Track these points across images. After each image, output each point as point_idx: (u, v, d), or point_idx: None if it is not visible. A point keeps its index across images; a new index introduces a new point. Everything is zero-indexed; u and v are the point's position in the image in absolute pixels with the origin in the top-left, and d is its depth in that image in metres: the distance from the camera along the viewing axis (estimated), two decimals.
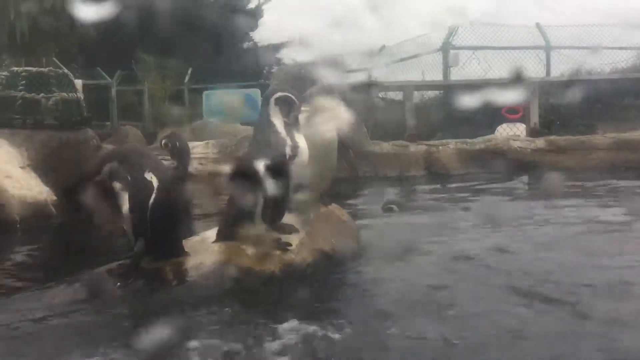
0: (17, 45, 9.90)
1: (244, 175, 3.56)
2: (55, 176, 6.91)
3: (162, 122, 14.82)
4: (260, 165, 3.49)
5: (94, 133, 8.69)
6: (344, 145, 4.38)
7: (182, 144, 3.91)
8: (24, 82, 7.65)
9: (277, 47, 21.17)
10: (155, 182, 3.32)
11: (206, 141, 9.58)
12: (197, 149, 9.18)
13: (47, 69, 8.04)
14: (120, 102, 14.98)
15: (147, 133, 13.07)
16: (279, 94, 3.66)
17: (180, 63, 16.17)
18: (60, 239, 5.39)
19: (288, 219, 3.76)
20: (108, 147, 9.25)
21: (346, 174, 4.80)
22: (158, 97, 16.00)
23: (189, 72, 15.59)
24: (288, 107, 3.65)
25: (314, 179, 3.90)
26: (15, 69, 7.89)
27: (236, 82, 16.08)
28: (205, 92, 15.25)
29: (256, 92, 14.88)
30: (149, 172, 3.34)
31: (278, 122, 3.61)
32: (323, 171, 4.02)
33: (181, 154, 3.71)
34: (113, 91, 14.40)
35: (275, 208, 3.55)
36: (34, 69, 7.90)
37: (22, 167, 6.71)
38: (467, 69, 11.92)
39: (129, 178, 3.33)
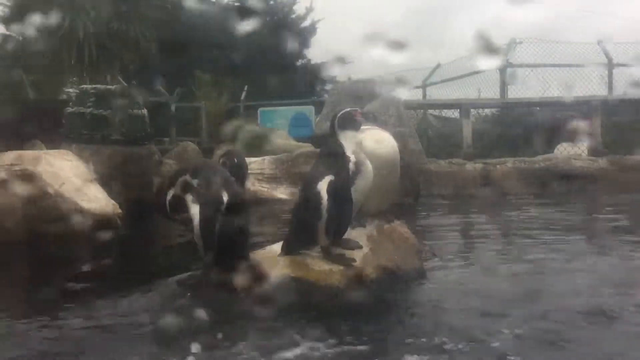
0: (85, 64, 10.44)
1: (308, 190, 3.62)
2: (120, 189, 7.17)
3: (218, 138, 15.16)
4: (325, 181, 3.55)
5: (156, 148, 9.00)
6: (405, 162, 4.39)
7: (240, 161, 4.03)
8: (92, 99, 8.00)
9: (330, 65, 21.38)
10: (225, 196, 3.41)
11: (262, 157, 9.72)
12: (254, 165, 9.34)
13: (114, 86, 8.40)
14: (178, 119, 15.39)
15: (204, 148, 13.35)
16: (344, 111, 3.72)
17: (236, 80, 16.52)
18: (127, 250, 5.57)
19: (351, 234, 3.80)
20: (169, 161, 9.57)
21: (408, 191, 4.78)
22: (214, 114, 16.35)
23: (245, 89, 15.90)
24: (353, 124, 3.70)
25: (377, 196, 3.94)
26: (85, 86, 8.28)
27: (290, 100, 16.30)
28: (260, 109, 15.52)
29: (310, 109, 15.05)
30: (219, 186, 3.45)
31: (343, 138, 3.66)
32: (386, 188, 4.05)
33: (239, 170, 3.83)
34: (172, 108, 14.82)
35: (338, 223, 3.59)
36: (102, 87, 8.28)
37: (89, 181, 6.96)
38: (525, 86, 11.74)
39: (200, 191, 3.44)
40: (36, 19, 12.24)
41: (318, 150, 9.70)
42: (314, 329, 3.01)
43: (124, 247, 5.78)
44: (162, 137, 14.12)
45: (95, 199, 6.44)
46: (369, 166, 3.64)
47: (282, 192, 9.03)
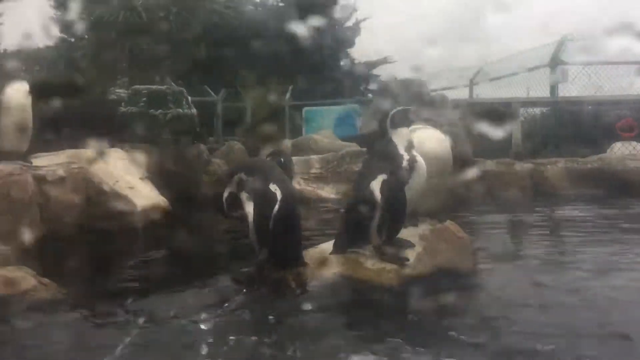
0: (135, 65, 10.71)
1: (361, 188, 3.62)
2: (170, 188, 7.30)
3: (263, 137, 15.30)
4: (377, 179, 3.55)
5: (205, 147, 9.14)
6: (457, 160, 4.35)
7: (287, 160, 4.06)
8: (144, 99, 8.17)
9: (374, 64, 21.31)
10: (278, 194, 3.45)
11: (308, 156, 9.76)
12: (300, 164, 9.39)
13: (165, 86, 8.56)
14: (223, 118, 15.59)
15: (249, 148, 13.48)
16: (398, 109, 3.70)
17: (281, 80, 16.63)
18: (179, 247, 5.68)
19: (403, 234, 3.78)
20: (216, 160, 9.69)
21: (460, 189, 4.73)
22: (259, 114, 16.51)
23: (290, 89, 15.99)
24: (406, 122, 3.69)
25: (430, 195, 3.91)
26: (137, 87, 8.46)
27: (335, 99, 16.31)
28: (305, 109, 15.58)
29: (355, 109, 15.01)
30: (273, 184, 3.48)
31: (396, 137, 3.65)
32: (438, 187, 4.01)
33: (285, 170, 3.86)
34: (219, 108, 15.02)
35: (392, 222, 3.58)
36: (153, 87, 8.45)
37: (141, 179, 7.14)
38: (577, 84, 11.43)
39: (255, 189, 3.48)
40: (89, 21, 12.63)
41: (364, 149, 9.75)
42: (368, 329, 3.01)
43: (175, 244, 5.88)
44: (207, 137, 14.32)
45: (148, 196, 6.59)
46: (422, 165, 3.62)
47: (328, 192, 9.04)
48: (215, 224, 6.82)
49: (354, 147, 10.26)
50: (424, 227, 3.92)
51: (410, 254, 3.62)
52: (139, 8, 10.01)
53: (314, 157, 9.74)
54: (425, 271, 3.58)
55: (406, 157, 3.57)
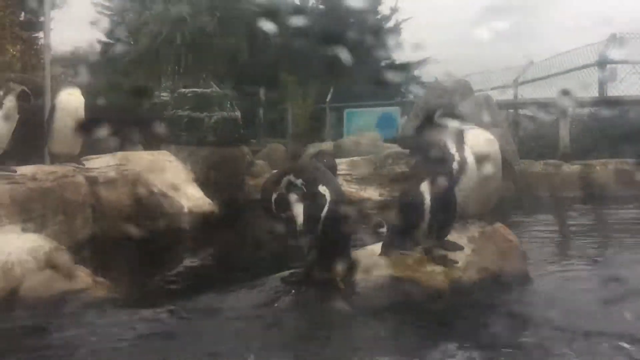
0: (180, 69, 10.91)
1: (410, 190, 3.60)
2: (214, 189, 7.40)
3: (304, 139, 15.37)
4: (426, 180, 3.52)
5: (248, 149, 9.25)
6: (507, 161, 4.28)
7: (330, 161, 4.05)
8: (189, 102, 8.33)
9: (415, 65, 21.13)
10: (327, 196, 3.45)
11: (350, 158, 9.75)
12: (342, 166, 9.38)
13: (210, 89, 8.70)
14: (265, 120, 15.75)
15: (290, 150, 13.56)
16: (444, 109, 3.67)
17: (322, 82, 16.67)
18: (226, 247, 5.76)
19: (451, 236, 3.74)
20: (259, 162, 9.79)
21: (509, 191, 4.65)
22: (299, 116, 16.59)
23: (331, 91, 16.02)
24: (455, 122, 3.65)
25: (479, 197, 3.86)
26: (183, 90, 8.63)
27: (376, 100, 16.26)
28: (346, 110, 15.59)
29: (396, 110, 14.95)
30: (322, 185, 3.49)
31: (445, 137, 3.61)
32: (489, 188, 3.96)
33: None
34: (260, 110, 15.18)
35: (441, 224, 3.55)
36: (198, 90, 8.60)
37: (188, 180, 7.25)
38: (626, 84, 11.09)
39: (304, 191, 3.49)
40: (135, 26, 12.91)
41: (406, 151, 9.68)
42: (419, 333, 2.99)
43: (222, 244, 5.97)
44: (250, 139, 14.46)
45: (194, 198, 6.68)
46: (473, 166, 3.58)
47: (370, 193, 9.00)
48: (260, 225, 6.88)
49: (396, 148, 10.21)
50: (472, 230, 3.87)
51: (460, 257, 3.58)
52: (184, 13, 10.18)
53: (357, 158, 9.73)
54: (475, 274, 3.54)
55: (456, 157, 3.53)
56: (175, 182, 6.81)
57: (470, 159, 3.58)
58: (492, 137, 4.13)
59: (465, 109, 4.60)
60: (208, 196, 6.89)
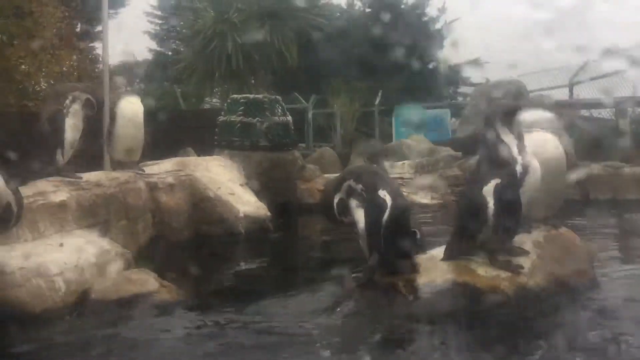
0: (232, 74, 11.08)
1: (473, 194, 3.54)
2: (267, 193, 7.46)
3: (352, 143, 15.37)
4: (490, 184, 3.45)
5: (300, 154, 9.29)
6: (571, 163, 4.16)
7: (379, 165, 4.02)
8: (242, 107, 8.42)
9: (463, 66, 20.84)
10: (388, 200, 3.43)
11: (402, 162, 9.70)
12: (394, 169, 9.35)
13: (262, 95, 8.79)
14: (313, 124, 15.81)
15: (339, 153, 13.57)
16: (507, 110, 3.59)
17: (370, 85, 16.63)
18: (281, 251, 5.81)
19: (515, 240, 3.66)
20: (310, 167, 9.82)
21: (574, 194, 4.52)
22: (347, 119, 16.60)
23: (379, 94, 15.95)
24: (517, 125, 3.57)
25: (545, 199, 3.77)
26: (235, 96, 8.74)
27: (425, 103, 16.12)
28: (395, 113, 15.50)
29: (446, 112, 14.79)
30: (382, 190, 3.47)
31: (508, 139, 3.53)
32: (553, 191, 3.86)
33: None
34: (309, 114, 15.25)
35: (505, 228, 3.48)
36: (250, 96, 8.70)
37: (241, 185, 7.35)
38: None
39: (365, 196, 3.49)
40: (186, 34, 13.21)
41: (459, 153, 9.56)
42: (486, 340, 2.94)
43: (276, 248, 6.03)
44: (299, 143, 14.54)
45: (248, 202, 6.77)
46: (537, 168, 3.48)
47: (422, 197, 8.92)
48: (314, 230, 6.92)
49: (448, 151, 10.10)
50: (537, 234, 3.77)
51: (525, 262, 3.49)
52: (234, 20, 10.34)
53: (408, 162, 9.67)
54: (541, 280, 3.44)
55: (520, 160, 3.45)
56: (230, 186, 6.92)
57: (534, 161, 3.49)
58: (555, 138, 4.02)
59: (525, 110, 4.45)
60: (261, 201, 6.96)
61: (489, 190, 3.41)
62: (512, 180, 3.41)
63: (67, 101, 4.86)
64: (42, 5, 10.88)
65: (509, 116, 3.59)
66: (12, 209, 3.34)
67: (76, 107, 4.89)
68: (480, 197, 3.42)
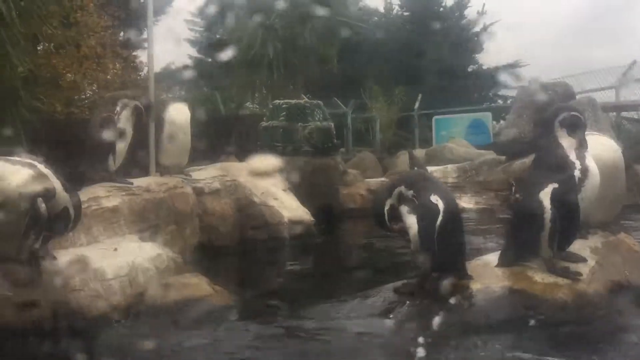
0: (273, 79, 11.16)
1: (529, 199, 3.47)
2: (309, 198, 7.47)
3: (390, 148, 15.30)
4: (547, 189, 3.37)
5: (341, 159, 9.28)
6: (630, 168, 4.03)
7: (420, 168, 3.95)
8: (284, 113, 8.47)
9: (504, 69, 20.57)
10: (441, 206, 3.38)
11: (444, 166, 9.59)
12: (436, 174, 9.24)
13: (304, 100, 8.82)
14: (353, 129, 15.80)
15: (378, 158, 13.52)
16: (566, 113, 3.51)
17: (409, 89, 16.55)
18: (326, 256, 5.80)
19: (572, 247, 3.56)
20: (352, 171, 9.80)
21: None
22: (386, 124, 16.54)
23: (419, 98, 15.85)
24: (576, 128, 3.48)
25: (602, 205, 3.66)
26: (277, 101, 8.80)
27: (465, 107, 15.94)
28: (435, 118, 15.37)
29: (487, 116, 14.58)
30: (434, 195, 3.42)
31: (566, 143, 3.45)
32: (612, 196, 3.75)
33: None
34: (349, 119, 15.25)
35: (563, 234, 3.39)
36: (292, 101, 8.75)
37: (284, 190, 7.36)
38: None
39: (417, 201, 3.44)
40: (228, 41, 13.36)
41: (502, 157, 9.39)
42: (544, 349, 2.87)
43: (321, 253, 6.02)
44: (340, 148, 14.54)
45: (291, 207, 6.78)
46: (596, 172, 3.39)
47: (465, 202, 8.79)
48: (357, 235, 6.90)
49: (491, 155, 9.95)
50: (595, 240, 3.68)
51: (583, 269, 3.40)
52: (277, 26, 10.41)
53: (450, 166, 9.56)
54: (601, 287, 3.34)
55: (578, 165, 3.36)
56: (274, 192, 6.95)
57: (593, 166, 3.40)
58: (613, 142, 3.92)
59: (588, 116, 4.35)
60: (304, 206, 6.97)
61: (545, 195, 3.33)
62: (570, 185, 3.33)
63: (118, 108, 4.97)
64: (87, 15, 11.14)
65: (571, 119, 3.50)
66: (70, 213, 3.41)
67: (126, 113, 5.00)
68: (536, 202, 3.35)
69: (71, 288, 3.28)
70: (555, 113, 3.58)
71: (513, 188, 7.94)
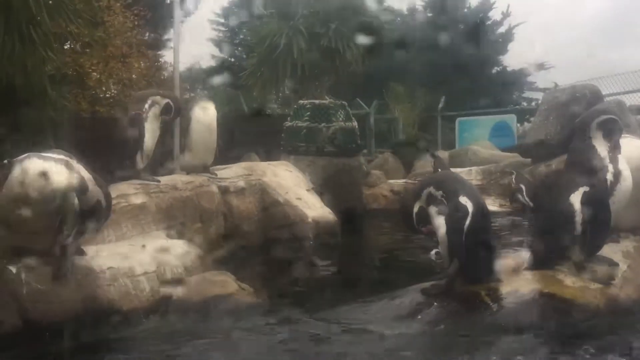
0: (297, 80, 11.16)
1: (560, 202, 3.43)
2: (332, 199, 7.46)
3: (413, 149, 15.20)
4: (578, 191, 3.34)
5: (365, 160, 9.26)
6: None
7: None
8: (308, 113, 8.47)
9: (528, 71, 20.34)
10: (469, 207, 3.36)
11: (469, 168, 9.51)
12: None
13: (328, 101, 8.81)
14: (375, 130, 15.74)
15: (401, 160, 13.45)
16: (603, 117, 3.47)
17: (432, 91, 16.44)
18: (350, 256, 5.79)
19: (602, 250, 3.51)
20: (375, 172, 9.79)
21: None
22: (408, 125, 16.45)
23: (442, 99, 15.73)
24: (612, 131, 3.44)
25: (635, 208, 3.61)
26: (302, 102, 8.79)
27: (489, 108, 15.80)
28: (458, 119, 15.25)
29: (511, 118, 14.43)
30: (463, 196, 3.40)
31: (599, 146, 3.42)
32: None
33: None
34: (371, 120, 15.20)
35: (594, 238, 3.35)
36: (317, 102, 8.74)
37: (307, 190, 7.36)
38: None
39: (445, 203, 3.42)
40: (252, 41, 13.39)
41: (527, 160, 9.28)
42: (578, 355, 2.83)
43: (346, 253, 6.01)
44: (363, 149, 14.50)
45: (315, 207, 6.77)
46: (628, 176, 3.35)
47: (490, 204, 8.68)
48: (381, 236, 6.88)
49: (516, 157, 9.84)
50: (626, 244, 3.63)
51: (614, 272, 3.35)
52: (301, 26, 10.42)
53: (475, 168, 9.48)
54: (633, 292, 3.29)
55: (611, 168, 3.32)
56: (297, 191, 6.95)
57: (625, 169, 3.36)
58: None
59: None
60: (327, 206, 6.96)
61: (576, 198, 3.30)
62: (602, 189, 3.29)
63: (146, 106, 5.00)
64: (113, 15, 11.28)
65: (606, 123, 3.47)
66: (102, 206, 3.45)
67: (155, 111, 5.04)
68: (567, 205, 3.32)
69: (101, 283, 3.32)
70: (592, 116, 3.55)
71: (514, 179, 7.90)
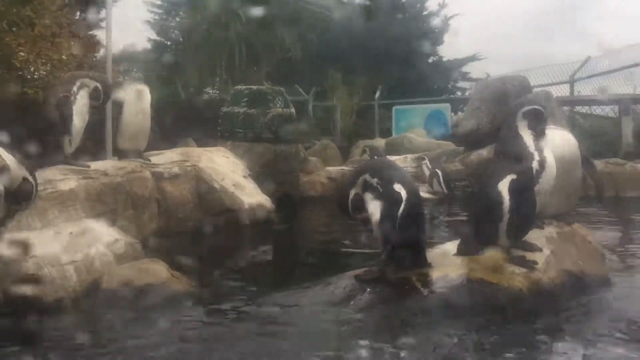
0: (234, 65, 11.02)
1: (488, 189, 3.53)
2: (269, 185, 7.43)
3: (350, 136, 15.35)
4: (505, 179, 3.44)
5: (302, 146, 9.25)
6: (586, 161, 4.15)
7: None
8: (245, 99, 8.38)
9: (463, 61, 20.86)
10: (403, 194, 3.41)
11: (404, 156, 9.69)
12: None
13: (265, 86, 8.74)
14: (313, 117, 15.78)
15: (338, 147, 13.55)
16: (528, 107, 3.59)
17: (369, 79, 16.60)
18: (286, 243, 5.78)
19: (528, 236, 3.65)
20: (312, 159, 9.81)
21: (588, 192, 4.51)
22: (346, 113, 16.58)
23: (379, 88, 15.92)
24: (537, 121, 3.57)
25: (559, 197, 3.76)
26: (239, 87, 8.68)
27: (424, 98, 16.11)
28: (394, 108, 15.48)
29: (446, 107, 14.78)
30: (398, 184, 3.45)
31: (526, 135, 3.53)
32: (569, 188, 3.85)
33: None
34: (309, 107, 15.22)
35: (519, 224, 3.47)
36: (254, 87, 8.65)
37: (244, 177, 7.30)
38: None
39: (380, 190, 3.46)
40: (187, 24, 13.11)
41: (461, 148, 9.55)
42: (500, 335, 2.94)
43: (282, 240, 6.01)
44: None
45: (251, 194, 6.73)
46: (553, 165, 3.49)
47: (424, 191, 8.89)
48: (317, 222, 6.91)
49: (450, 146, 10.10)
50: (550, 230, 3.78)
51: (538, 258, 3.49)
52: (239, 11, 10.27)
53: (410, 156, 9.65)
54: (555, 276, 3.44)
55: (536, 156, 3.45)
56: (234, 178, 6.88)
57: (550, 158, 3.49)
58: (570, 135, 4.02)
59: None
60: (264, 192, 6.93)
61: (503, 185, 3.40)
62: (527, 176, 3.41)
63: (75, 88, 4.80)
64: None
65: (531, 113, 3.58)
66: (31, 183, 3.30)
67: (83, 94, 4.84)
68: (495, 193, 3.41)
69: (24, 273, 3.18)
70: (519, 106, 3.66)
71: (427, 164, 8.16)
